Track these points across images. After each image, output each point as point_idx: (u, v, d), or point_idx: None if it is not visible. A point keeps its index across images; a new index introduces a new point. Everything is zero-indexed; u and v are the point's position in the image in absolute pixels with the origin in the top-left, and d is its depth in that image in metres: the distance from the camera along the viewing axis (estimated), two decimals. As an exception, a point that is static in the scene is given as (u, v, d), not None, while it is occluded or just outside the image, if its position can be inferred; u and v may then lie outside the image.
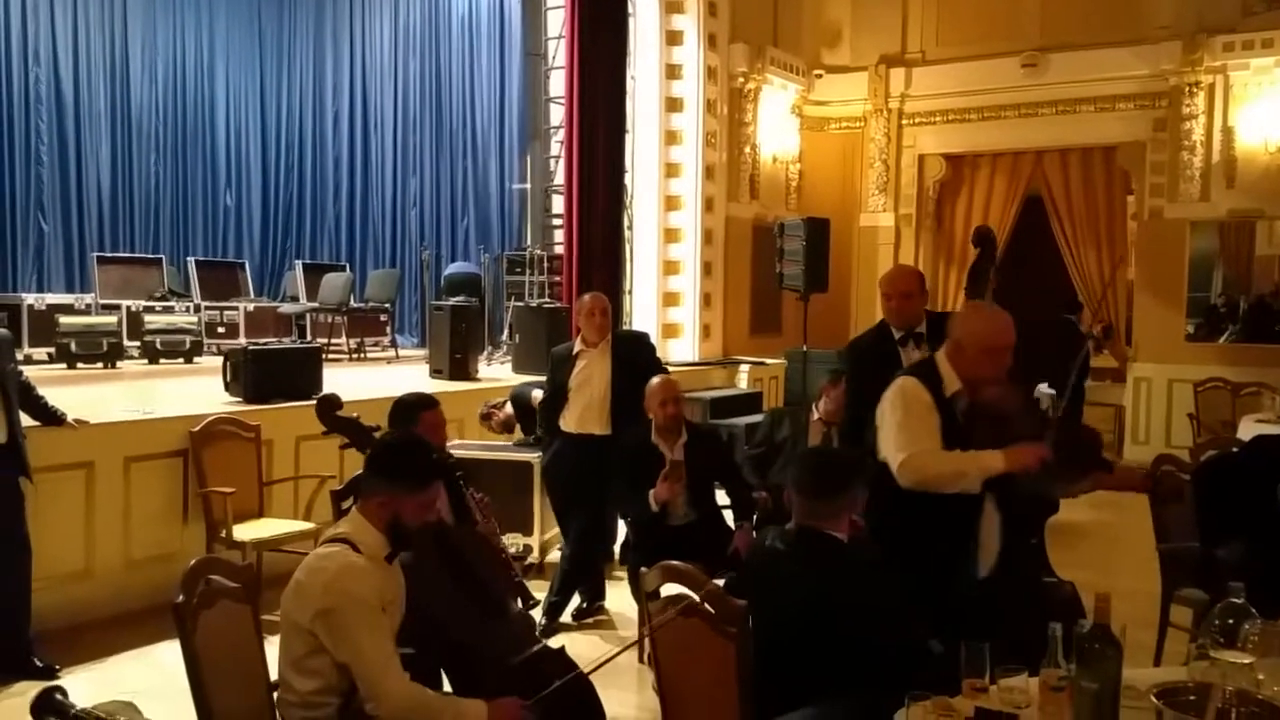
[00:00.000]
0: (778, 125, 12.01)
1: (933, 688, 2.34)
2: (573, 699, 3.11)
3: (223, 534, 5.57)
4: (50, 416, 5.18)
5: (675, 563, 2.90)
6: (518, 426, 6.78)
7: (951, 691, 2.44)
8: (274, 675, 2.96)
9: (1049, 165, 11.60)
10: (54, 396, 5.30)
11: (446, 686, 3.36)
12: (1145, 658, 4.50)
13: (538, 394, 6.79)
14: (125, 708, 2.05)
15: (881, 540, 3.32)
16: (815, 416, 5.64)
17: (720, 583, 2.91)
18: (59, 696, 2.06)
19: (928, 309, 4.57)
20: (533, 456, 6.37)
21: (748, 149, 11.58)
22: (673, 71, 10.95)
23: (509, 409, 6.80)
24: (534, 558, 6.38)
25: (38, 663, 4.75)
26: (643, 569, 2.98)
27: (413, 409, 4.02)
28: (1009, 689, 2.42)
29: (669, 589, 2.92)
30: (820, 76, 12.53)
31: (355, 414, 4.34)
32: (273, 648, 2.99)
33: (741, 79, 11.39)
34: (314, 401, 6.64)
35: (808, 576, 3.00)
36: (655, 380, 5.23)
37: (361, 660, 2.71)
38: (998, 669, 2.44)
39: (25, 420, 4.91)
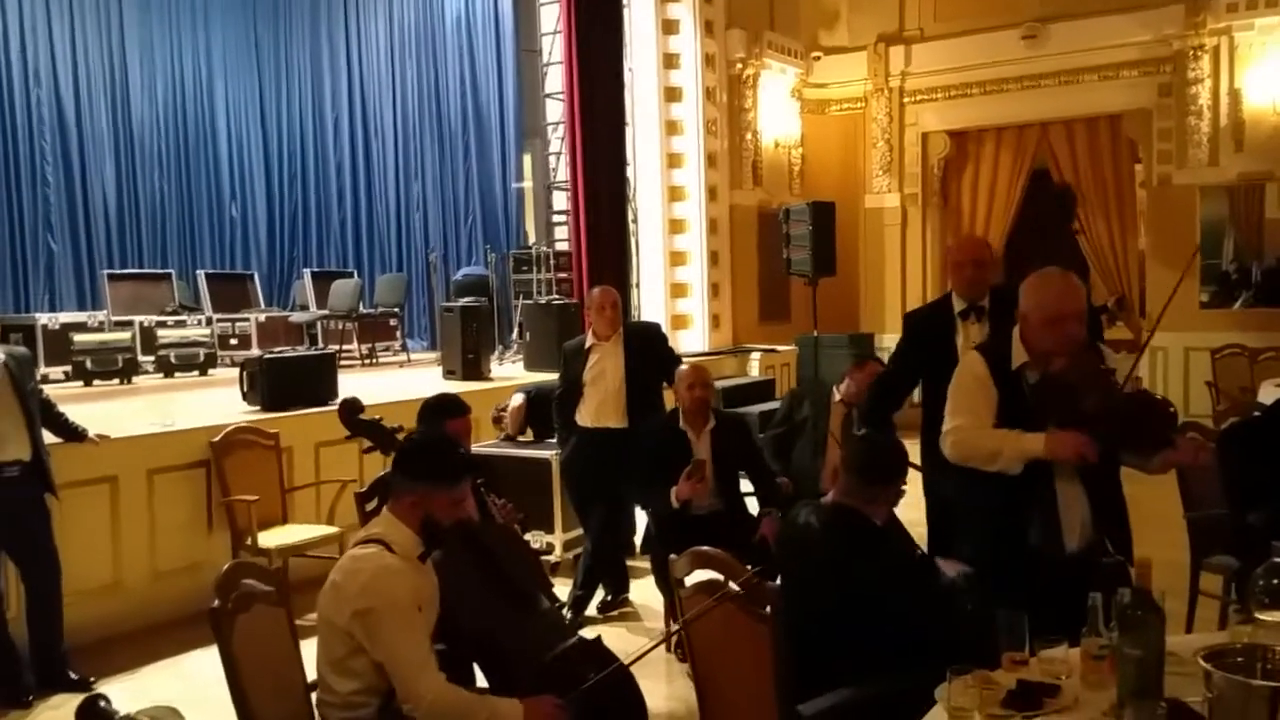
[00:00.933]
0: (778, 110, 11.98)
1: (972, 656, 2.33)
2: (612, 691, 3.11)
3: (248, 542, 5.60)
4: (72, 433, 5.19)
5: (705, 548, 2.89)
6: (528, 429, 6.77)
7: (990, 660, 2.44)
8: (310, 677, 2.98)
9: (1054, 137, 11.53)
10: (73, 413, 5.31)
11: (481, 682, 3.36)
12: (1176, 626, 4.47)
13: (517, 397, 6.80)
14: (169, 712, 2.05)
15: (964, 516, 3.30)
16: (837, 398, 5.63)
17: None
18: (103, 704, 2.07)
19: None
20: (551, 454, 6.37)
21: (749, 135, 11.56)
22: (670, 61, 10.93)
23: (515, 402, 6.77)
24: (557, 555, 6.38)
25: (72, 676, 4.79)
26: (672, 556, 2.97)
27: (437, 416, 3.95)
28: (1049, 660, 2.42)
29: (696, 576, 2.92)
30: (819, 59, 12.48)
31: (377, 417, 4.33)
32: (307, 650, 3.01)
33: (740, 65, 11.36)
34: (331, 407, 6.73)
35: (839, 554, 3.01)
36: (685, 365, 5.29)
37: (397, 660, 2.72)
38: (1038, 640, 2.43)
39: (48, 437, 4.94)
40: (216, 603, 2.73)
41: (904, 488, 3.35)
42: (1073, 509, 3.15)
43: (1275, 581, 2.23)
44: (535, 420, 6.68)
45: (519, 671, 3.12)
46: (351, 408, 3.41)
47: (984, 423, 3.17)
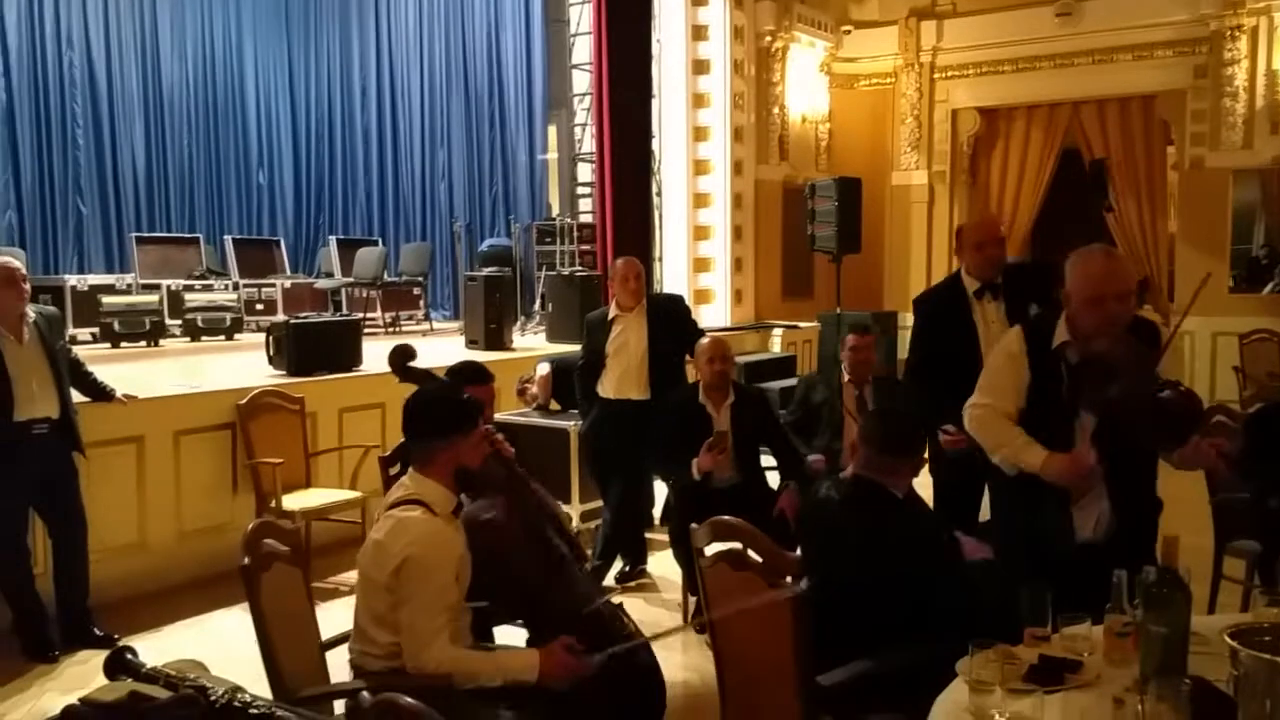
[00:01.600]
0: (806, 84, 11.90)
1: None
2: (639, 668, 3.21)
3: (272, 504, 5.64)
4: (100, 392, 5.24)
5: (726, 518, 2.89)
6: (552, 400, 6.78)
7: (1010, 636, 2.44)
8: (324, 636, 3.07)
9: (1086, 116, 11.41)
10: (101, 374, 5.35)
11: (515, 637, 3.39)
12: (1198, 609, 4.44)
13: (543, 367, 6.79)
14: (194, 665, 2.08)
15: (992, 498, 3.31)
16: (846, 379, 5.61)
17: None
18: (130, 656, 2.10)
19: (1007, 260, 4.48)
20: (570, 424, 6.39)
21: (776, 110, 11.48)
22: (698, 33, 10.86)
23: (542, 371, 6.78)
24: (575, 525, 6.41)
25: (97, 632, 4.85)
26: (692, 525, 2.97)
27: (459, 381, 3.87)
28: (1072, 636, 2.42)
29: (716, 546, 2.92)
30: (849, 32, 12.38)
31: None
32: (321, 612, 3.10)
33: (769, 38, 11.28)
34: (356, 373, 6.77)
35: (860, 527, 3.01)
36: (705, 338, 5.27)
37: (414, 624, 2.77)
38: (1060, 617, 2.43)
39: (76, 397, 4.98)
40: (247, 560, 2.77)
41: (923, 460, 3.36)
42: (1090, 500, 3.12)
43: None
44: (556, 392, 6.69)
45: (560, 624, 3.13)
46: (404, 354, 3.39)
47: (1007, 403, 3.18)
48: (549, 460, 6.18)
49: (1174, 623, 2.14)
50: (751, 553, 2.75)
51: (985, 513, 4.36)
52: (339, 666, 3.06)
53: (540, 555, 3.23)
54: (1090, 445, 3.01)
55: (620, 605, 3.48)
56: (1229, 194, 10.34)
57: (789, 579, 2.67)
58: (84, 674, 4.44)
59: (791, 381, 8.55)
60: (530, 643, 3.17)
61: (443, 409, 3.01)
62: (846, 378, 5.56)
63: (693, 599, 5.05)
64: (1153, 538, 3.06)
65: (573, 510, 6.40)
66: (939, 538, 3.24)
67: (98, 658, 2.31)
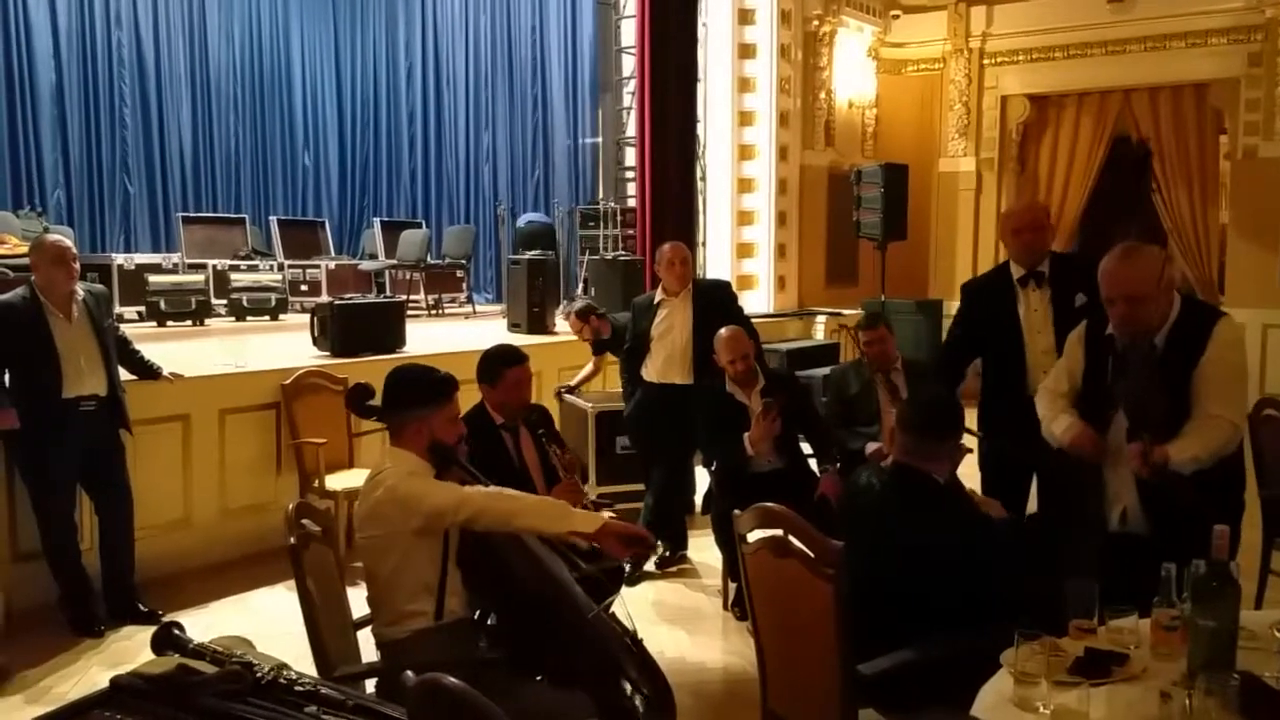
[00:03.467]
0: (853, 69, 11.77)
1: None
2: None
3: (315, 484, 5.70)
4: (147, 370, 5.31)
5: (769, 504, 2.88)
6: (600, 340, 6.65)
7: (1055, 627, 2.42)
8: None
9: (1137, 104, 11.19)
10: (148, 352, 5.43)
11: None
12: (1246, 604, 4.39)
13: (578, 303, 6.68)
14: (240, 642, 2.10)
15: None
16: (876, 370, 5.55)
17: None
18: (177, 631, 2.13)
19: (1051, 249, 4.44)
20: (589, 405, 6.51)
21: (823, 95, 11.38)
22: (745, 16, 10.78)
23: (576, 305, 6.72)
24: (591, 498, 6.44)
25: (142, 608, 4.92)
26: (735, 511, 2.96)
27: (495, 364, 3.98)
28: (1118, 629, 2.39)
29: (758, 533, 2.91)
30: (897, 17, 12.23)
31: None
32: (358, 591, 3.15)
33: (816, 22, 11.17)
34: (399, 355, 6.81)
35: (902, 513, 2.99)
36: (722, 334, 5.11)
37: (442, 502, 2.91)
38: (1107, 609, 2.40)
39: (123, 374, 5.05)
40: (293, 539, 2.81)
41: (966, 446, 3.34)
42: (1120, 491, 3.19)
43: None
44: (610, 345, 6.59)
45: (568, 629, 3.14)
46: (363, 393, 3.41)
47: (1061, 384, 3.39)
48: (569, 440, 6.19)
49: (1223, 617, 2.11)
50: (794, 540, 2.73)
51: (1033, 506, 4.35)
52: (366, 647, 3.12)
53: (535, 561, 3.21)
54: (1124, 436, 3.11)
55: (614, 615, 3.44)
56: (1285, 184, 10.12)
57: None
58: (129, 649, 4.51)
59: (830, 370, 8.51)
60: (519, 656, 3.14)
61: (415, 381, 3.11)
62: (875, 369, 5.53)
63: (733, 585, 5.06)
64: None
65: (590, 491, 6.43)
66: (982, 525, 3.21)
67: (143, 633, 2.35)
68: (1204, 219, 10.95)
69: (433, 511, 2.89)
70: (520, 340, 7.88)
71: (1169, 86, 10.97)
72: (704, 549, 5.67)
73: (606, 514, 3.13)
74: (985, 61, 11.88)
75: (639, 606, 5.06)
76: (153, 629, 2.14)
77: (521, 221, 12.21)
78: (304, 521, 2.94)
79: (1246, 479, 3.35)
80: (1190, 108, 10.96)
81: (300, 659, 2.81)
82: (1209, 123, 10.93)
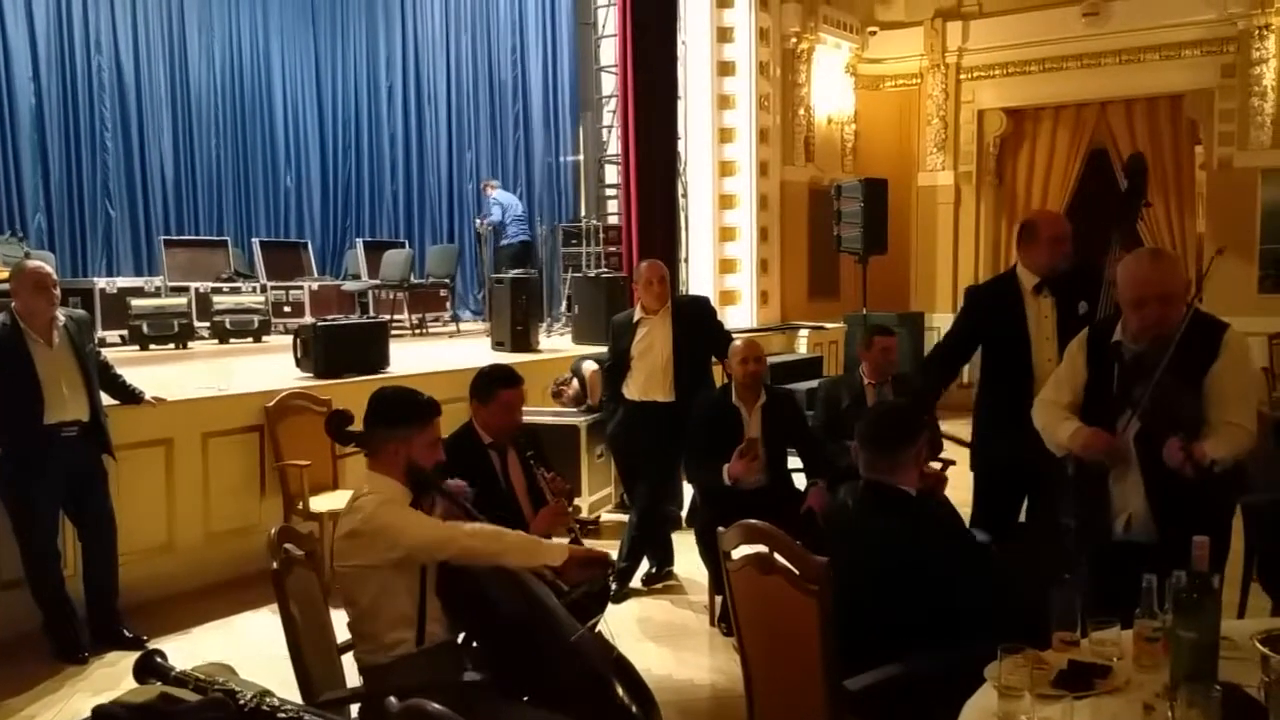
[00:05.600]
0: (832, 85, 11.86)
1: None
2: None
3: (299, 506, 5.68)
4: (129, 395, 5.28)
5: (754, 521, 2.88)
6: (587, 398, 6.83)
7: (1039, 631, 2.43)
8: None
9: (1113, 117, 11.33)
10: (130, 376, 5.39)
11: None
12: (1228, 613, 4.41)
13: (589, 365, 6.83)
14: (222, 669, 2.09)
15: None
16: (868, 381, 5.57)
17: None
18: (159, 659, 2.11)
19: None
20: (581, 420, 6.57)
21: (802, 111, 11.46)
22: (724, 34, 10.84)
23: (588, 369, 6.84)
24: (584, 515, 6.51)
25: (126, 633, 4.88)
26: (720, 528, 2.97)
27: (490, 384, 3.97)
28: (1101, 641, 2.40)
29: (743, 549, 2.92)
30: (874, 33, 12.33)
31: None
32: (339, 613, 3.12)
33: (794, 39, 11.25)
34: (383, 375, 6.80)
35: (876, 529, 3.01)
36: (738, 340, 5.28)
37: (426, 537, 2.93)
38: (1090, 621, 2.41)
39: (105, 399, 5.03)
40: (276, 564, 2.80)
41: (940, 456, 3.37)
42: (1126, 497, 3.18)
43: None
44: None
45: (552, 651, 3.14)
46: (341, 419, 3.40)
47: (1062, 395, 3.37)
48: (558, 455, 6.21)
49: (1204, 628, 2.12)
50: (778, 556, 2.74)
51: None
52: (351, 671, 3.11)
53: (517, 585, 3.21)
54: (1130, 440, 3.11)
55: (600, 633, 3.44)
56: (1258, 193, 10.24)
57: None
58: (113, 675, 4.48)
59: (817, 383, 8.53)
60: (504, 678, 3.13)
61: (397, 401, 3.11)
62: (868, 380, 5.54)
63: (719, 599, 5.06)
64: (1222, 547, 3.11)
65: (583, 503, 6.55)
66: (957, 532, 3.23)
67: (127, 659, 2.33)
68: (1181, 228, 11.07)
69: (412, 548, 2.90)
70: (504, 359, 7.88)
71: (1144, 98, 11.11)
72: (691, 564, 5.66)
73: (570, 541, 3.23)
74: (962, 76, 12.00)
75: (625, 624, 5.06)
76: (138, 654, 2.12)
77: (503, 243, 12.21)
78: (287, 546, 2.92)
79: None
80: (1165, 119, 11.09)
81: (285, 684, 2.79)
82: (1184, 134, 11.07)
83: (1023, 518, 4.42)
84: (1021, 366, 4.21)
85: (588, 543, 3.92)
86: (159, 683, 2.04)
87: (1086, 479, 3.23)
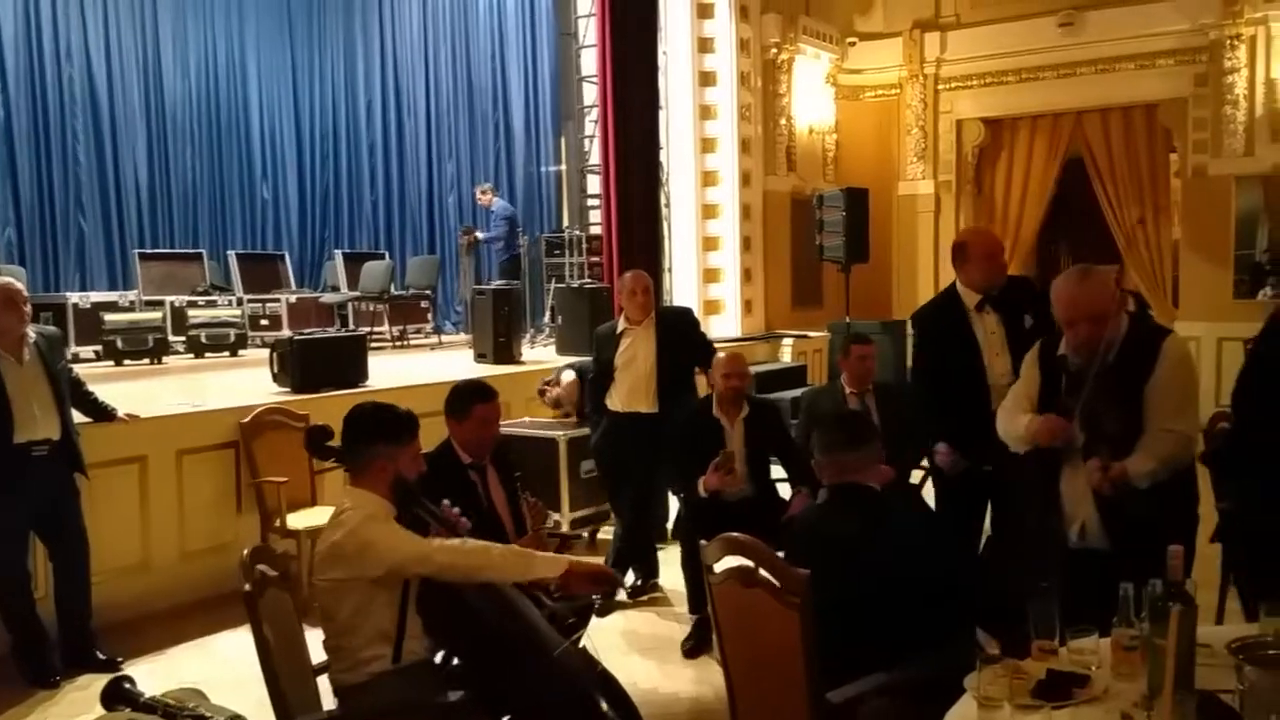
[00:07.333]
0: (813, 96, 11.90)
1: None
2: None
3: (276, 523, 5.62)
4: (101, 412, 5.22)
5: (736, 535, 2.87)
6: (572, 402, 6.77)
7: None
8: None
9: (1089, 126, 11.41)
10: (103, 393, 5.33)
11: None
12: (1206, 617, 4.42)
13: (568, 375, 6.80)
14: (193, 694, 2.06)
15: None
16: (849, 390, 5.56)
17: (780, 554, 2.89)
18: (128, 685, 2.08)
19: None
20: (559, 434, 6.52)
21: (783, 121, 11.49)
22: (705, 45, 10.87)
23: (567, 378, 6.79)
24: (564, 529, 6.47)
25: (100, 656, 4.82)
26: (702, 542, 2.95)
27: (464, 399, 3.90)
28: (1079, 650, 2.40)
29: (726, 562, 2.90)
30: (854, 44, 12.38)
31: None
32: (315, 633, 3.07)
33: (774, 50, 11.28)
34: (362, 389, 6.76)
35: (851, 528, 3.01)
36: (721, 353, 5.29)
37: (407, 555, 2.89)
38: (1068, 630, 2.41)
39: (77, 417, 4.96)
40: (249, 586, 2.77)
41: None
42: (1078, 507, 3.25)
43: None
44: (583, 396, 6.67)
45: (535, 667, 3.11)
46: (322, 433, 3.35)
47: (1019, 405, 3.44)
48: (538, 469, 6.25)
49: (1181, 636, 2.11)
50: (762, 571, 2.72)
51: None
52: (328, 692, 3.08)
53: (500, 601, 3.19)
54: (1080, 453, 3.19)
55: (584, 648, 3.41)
56: (1232, 200, 10.31)
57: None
58: (86, 699, 4.40)
59: (800, 392, 8.53)
60: (485, 697, 3.11)
61: (382, 418, 3.08)
62: (850, 390, 5.54)
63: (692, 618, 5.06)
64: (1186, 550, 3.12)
65: (563, 518, 6.49)
66: (929, 520, 3.26)
67: (100, 682, 2.29)
68: (1156, 236, 11.15)
69: (396, 564, 2.87)
70: (487, 370, 7.87)
71: (1119, 107, 11.21)
72: (677, 577, 5.63)
73: (569, 556, 3.15)
74: (940, 86, 12.07)
75: (610, 637, 5.02)
76: (109, 678, 2.09)
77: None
78: (260, 566, 2.88)
79: (1200, 493, 3.42)
80: (1141, 128, 11.19)
81: (262, 705, 2.77)
82: (1159, 142, 11.17)
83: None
84: (977, 382, 4.22)
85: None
86: (128, 709, 2.01)
87: (1036, 489, 3.32)
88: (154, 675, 4.55)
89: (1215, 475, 4.06)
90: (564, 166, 13.14)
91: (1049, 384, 3.35)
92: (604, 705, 3.19)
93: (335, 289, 12.38)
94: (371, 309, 11.42)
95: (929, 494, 4.76)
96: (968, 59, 11.83)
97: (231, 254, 12.40)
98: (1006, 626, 2.55)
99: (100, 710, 2.05)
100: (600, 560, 5.75)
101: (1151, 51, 10.75)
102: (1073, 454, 3.22)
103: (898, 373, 9.82)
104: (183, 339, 9.84)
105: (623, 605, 5.59)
